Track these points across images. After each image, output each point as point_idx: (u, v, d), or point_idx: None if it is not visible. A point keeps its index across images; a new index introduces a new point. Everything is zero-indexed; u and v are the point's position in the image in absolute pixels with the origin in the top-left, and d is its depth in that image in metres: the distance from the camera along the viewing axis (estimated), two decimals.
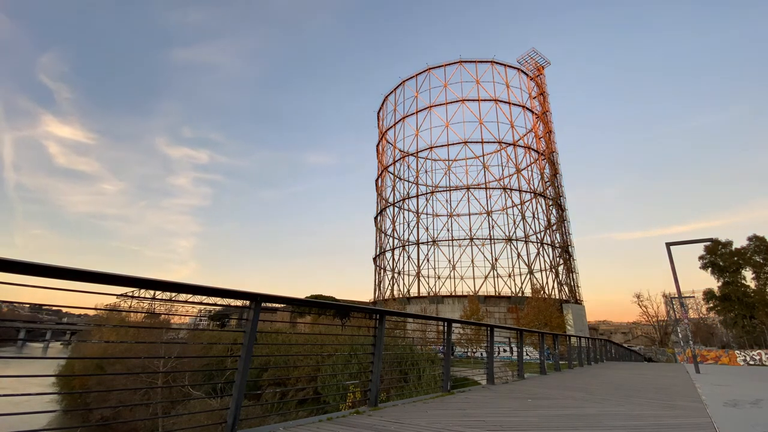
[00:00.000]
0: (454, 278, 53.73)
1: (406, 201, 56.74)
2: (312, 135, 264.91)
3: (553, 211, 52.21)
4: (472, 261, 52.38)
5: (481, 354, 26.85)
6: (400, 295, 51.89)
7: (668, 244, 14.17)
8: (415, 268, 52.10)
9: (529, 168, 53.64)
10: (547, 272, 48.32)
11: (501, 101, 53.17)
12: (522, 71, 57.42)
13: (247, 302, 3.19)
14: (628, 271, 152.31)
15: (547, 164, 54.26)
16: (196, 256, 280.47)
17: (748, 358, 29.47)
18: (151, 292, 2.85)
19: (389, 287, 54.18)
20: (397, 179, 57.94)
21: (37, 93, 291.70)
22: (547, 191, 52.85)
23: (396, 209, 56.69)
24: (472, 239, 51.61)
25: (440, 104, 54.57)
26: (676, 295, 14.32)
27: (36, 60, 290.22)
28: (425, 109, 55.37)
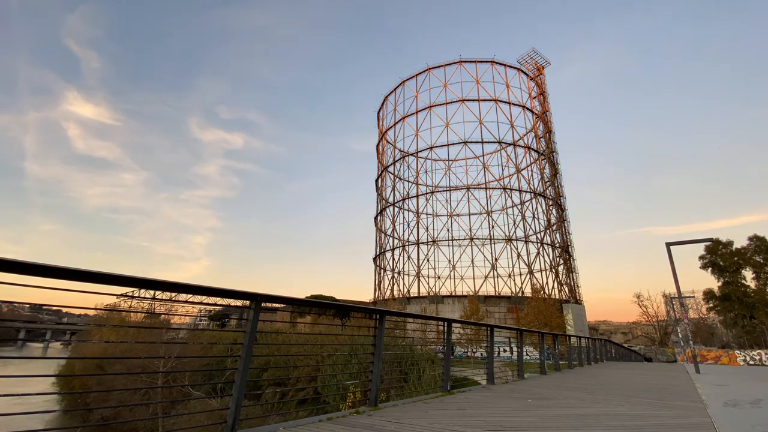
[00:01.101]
0: (454, 278, 53.78)
1: (406, 201, 56.75)
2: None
3: (553, 211, 52.22)
4: (472, 261, 52.40)
5: (481, 354, 26.85)
6: (400, 295, 51.89)
7: (668, 244, 14.17)
8: (415, 268, 52.10)
9: (529, 168, 53.67)
10: (547, 272, 48.33)
11: (501, 101, 53.16)
12: (522, 71, 57.41)
13: (247, 302, 3.20)
14: (628, 271, 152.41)
15: (547, 164, 54.27)
16: (209, 253, 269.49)
17: (748, 358, 29.47)
18: (151, 292, 2.86)
19: (389, 287, 54.20)
20: (397, 179, 57.96)
21: (62, 62, 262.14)
22: (547, 191, 52.85)
23: (396, 209, 56.70)
24: (472, 239, 51.59)
25: (440, 104, 54.56)
26: (676, 295, 14.32)
27: (63, 20, 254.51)
28: (425, 109, 55.36)
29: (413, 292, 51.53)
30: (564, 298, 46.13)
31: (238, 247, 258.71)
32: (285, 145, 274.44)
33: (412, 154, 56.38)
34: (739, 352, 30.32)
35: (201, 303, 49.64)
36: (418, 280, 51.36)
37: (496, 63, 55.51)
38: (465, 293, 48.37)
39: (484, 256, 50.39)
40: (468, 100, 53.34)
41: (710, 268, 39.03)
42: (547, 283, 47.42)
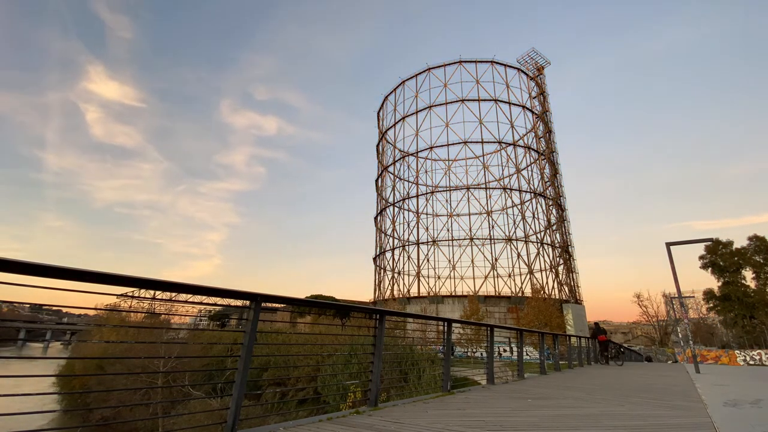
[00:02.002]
0: (454, 278, 53.77)
1: (406, 201, 56.75)
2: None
3: (553, 211, 52.22)
4: (472, 261, 52.39)
5: (481, 354, 26.84)
6: (400, 295, 51.89)
7: (668, 244, 14.17)
8: (415, 268, 52.10)
9: (529, 168, 53.65)
10: (547, 272, 48.33)
11: (501, 101, 53.15)
12: (522, 71, 57.39)
13: (247, 302, 3.20)
14: (628, 271, 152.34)
15: (547, 164, 54.25)
16: (223, 251, 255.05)
17: (748, 358, 29.46)
18: (151, 292, 2.86)
19: (389, 287, 54.20)
20: (397, 179, 57.95)
21: (89, 29, 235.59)
22: (547, 191, 52.84)
23: (396, 209, 56.70)
24: (472, 239, 51.59)
25: (440, 104, 54.55)
26: (676, 295, 14.33)
27: None
28: (425, 109, 55.35)
29: (413, 292, 51.54)
30: (564, 298, 46.13)
31: (253, 245, 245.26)
32: (321, 131, 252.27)
33: (412, 154, 56.38)
34: (739, 352, 30.31)
35: (201, 303, 49.67)
36: (418, 280, 51.37)
37: (496, 63, 55.50)
38: (465, 293, 48.38)
39: (484, 256, 50.45)
40: (468, 100, 53.33)
41: (710, 268, 39.05)
42: (547, 283, 47.45)
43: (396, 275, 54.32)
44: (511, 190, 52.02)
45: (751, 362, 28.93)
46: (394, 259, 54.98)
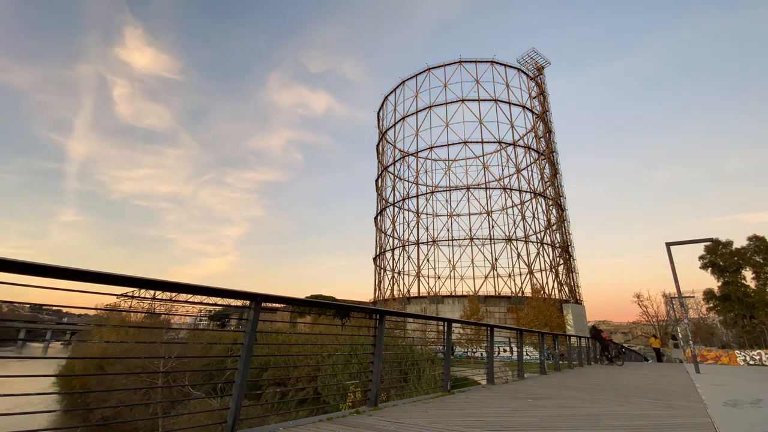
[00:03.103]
0: (454, 278, 53.77)
1: (406, 201, 56.74)
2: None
3: (553, 211, 52.20)
4: (472, 261, 52.37)
5: (481, 354, 26.84)
6: (400, 295, 51.87)
7: (668, 244, 14.17)
8: (415, 268, 52.08)
9: (529, 168, 53.63)
10: (547, 272, 48.31)
11: (501, 101, 53.14)
12: (522, 71, 57.37)
13: (247, 302, 3.20)
14: (628, 271, 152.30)
15: (547, 164, 54.24)
16: (238, 247, 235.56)
17: (748, 358, 29.42)
18: (151, 292, 2.86)
19: (389, 287, 54.18)
20: (397, 179, 57.94)
21: None
22: (547, 191, 52.83)
23: (396, 209, 56.69)
24: (472, 239, 51.58)
25: (440, 104, 54.53)
26: (676, 295, 14.32)
27: None
28: (425, 109, 55.34)
29: (413, 292, 51.53)
30: (564, 298, 46.11)
31: (271, 242, 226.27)
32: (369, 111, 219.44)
33: (412, 154, 56.37)
34: (739, 352, 30.27)
35: (201, 303, 49.66)
36: (418, 280, 51.35)
37: (496, 63, 55.49)
38: (465, 293, 48.36)
39: (484, 256, 50.43)
40: (468, 100, 53.32)
41: (710, 268, 38.98)
42: (547, 283, 47.43)
43: (396, 275, 54.33)
44: (511, 190, 52.02)
45: (751, 362, 28.90)
46: (394, 259, 55.00)
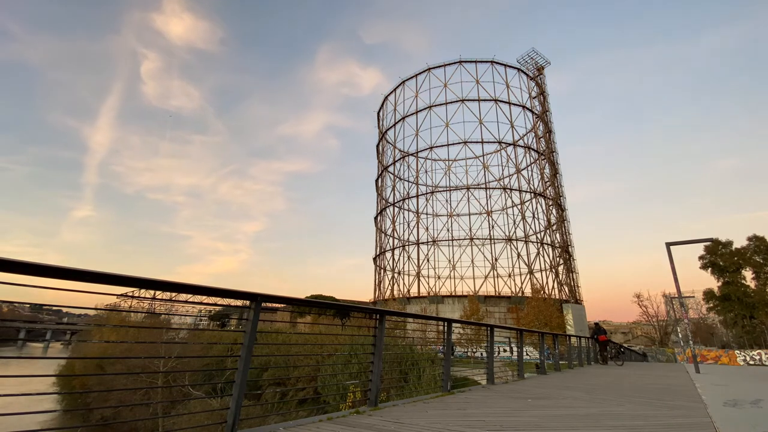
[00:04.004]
0: (454, 278, 53.78)
1: (406, 201, 56.76)
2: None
3: (553, 211, 52.21)
4: (472, 261, 52.40)
5: (481, 354, 26.84)
6: (400, 295, 51.88)
7: (668, 244, 14.17)
8: (415, 268, 52.10)
9: (529, 168, 53.65)
10: (547, 272, 48.32)
11: (501, 101, 53.15)
12: (522, 71, 57.38)
13: (247, 302, 3.20)
14: (628, 271, 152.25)
15: (547, 164, 54.25)
16: (253, 245, 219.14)
17: (748, 358, 29.42)
18: (151, 292, 2.86)
19: (389, 287, 54.19)
20: (397, 179, 57.96)
21: None
22: (547, 191, 52.84)
23: (396, 209, 56.69)
24: (472, 239, 51.59)
25: (440, 104, 54.54)
26: (676, 295, 14.33)
27: None
28: (425, 109, 55.35)
29: (413, 292, 51.54)
30: (564, 298, 46.11)
31: (288, 239, 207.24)
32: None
33: (412, 154, 56.38)
34: (739, 352, 30.28)
35: (201, 303, 49.64)
36: (418, 280, 51.37)
37: (496, 63, 55.50)
38: (465, 293, 48.37)
39: (484, 256, 50.44)
40: (468, 100, 53.33)
41: (710, 268, 38.99)
42: (547, 283, 47.44)
43: (396, 275, 54.34)
44: (511, 190, 52.03)
45: (751, 362, 28.90)
46: (394, 259, 55.01)
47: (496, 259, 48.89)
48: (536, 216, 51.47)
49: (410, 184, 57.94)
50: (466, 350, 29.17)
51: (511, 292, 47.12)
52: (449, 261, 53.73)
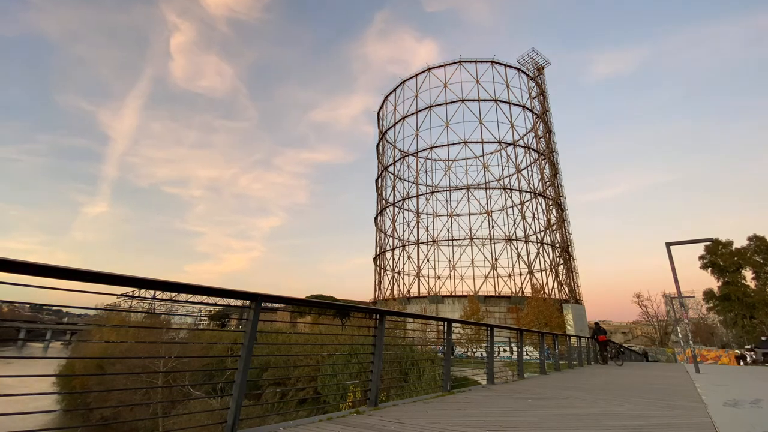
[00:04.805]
0: (454, 278, 53.77)
1: (406, 201, 56.75)
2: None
3: (553, 211, 52.20)
4: (472, 261, 52.40)
5: (481, 354, 26.83)
6: (400, 295, 51.88)
7: (668, 244, 14.16)
8: (415, 268, 52.09)
9: (529, 168, 53.64)
10: (547, 272, 48.31)
11: (501, 101, 53.14)
12: (522, 71, 57.36)
13: (247, 302, 3.20)
14: (628, 271, 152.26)
15: (547, 164, 54.24)
16: (267, 242, 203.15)
17: (747, 357, 29.43)
18: (151, 292, 2.86)
19: (389, 287, 54.19)
20: (397, 179, 57.95)
21: None
22: (547, 191, 52.83)
23: (396, 209, 56.69)
24: (472, 239, 51.59)
25: (440, 104, 54.54)
26: (676, 295, 14.32)
27: None
28: (425, 109, 55.35)
29: (413, 292, 51.53)
30: (564, 298, 46.10)
31: (302, 236, 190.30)
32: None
33: (412, 154, 56.38)
34: (739, 351, 30.30)
35: (201, 303, 49.67)
36: (418, 280, 51.36)
37: (496, 63, 55.48)
38: (465, 293, 48.36)
39: (484, 256, 50.44)
40: (468, 100, 53.32)
41: (710, 268, 39.01)
42: (547, 283, 47.43)
43: (396, 275, 54.33)
44: (511, 190, 52.02)
45: (747, 360, 28.91)
46: (394, 259, 55.01)
47: (496, 259, 48.90)
48: (536, 216, 51.49)
49: (410, 184, 57.97)
50: (466, 350, 29.17)
51: (511, 292, 47.12)
52: (449, 261, 53.75)
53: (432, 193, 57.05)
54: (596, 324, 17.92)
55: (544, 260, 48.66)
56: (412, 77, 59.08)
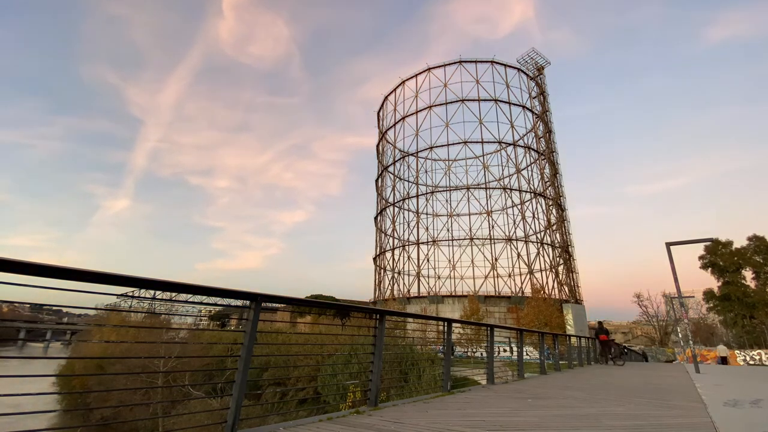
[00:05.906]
0: (454, 278, 53.75)
1: (406, 201, 56.76)
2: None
3: (553, 211, 52.20)
4: (472, 261, 52.38)
5: (481, 354, 26.82)
6: (400, 295, 51.87)
7: (668, 244, 14.16)
8: (415, 268, 52.09)
9: (529, 168, 53.65)
10: (547, 272, 48.31)
11: (501, 101, 53.15)
12: (522, 71, 57.37)
13: (247, 302, 3.20)
14: (628, 271, 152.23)
15: (547, 164, 54.24)
16: (287, 238, 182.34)
17: (748, 358, 29.44)
18: (151, 292, 2.86)
19: (389, 287, 54.18)
20: (397, 179, 57.97)
21: None
22: (547, 191, 52.84)
23: (396, 209, 56.70)
24: (472, 239, 51.58)
25: (440, 104, 54.55)
26: (676, 295, 14.32)
27: None
28: (425, 109, 55.37)
29: (413, 292, 51.53)
30: (564, 298, 46.11)
31: (325, 232, 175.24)
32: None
33: (412, 154, 56.39)
34: (739, 352, 30.30)
35: (201, 303, 49.65)
36: (418, 280, 51.36)
37: (496, 63, 55.50)
38: (465, 293, 48.34)
39: (484, 256, 50.43)
40: (468, 100, 53.33)
41: (710, 268, 38.98)
42: (547, 283, 47.43)
43: (396, 275, 54.33)
44: (511, 190, 52.03)
45: (751, 362, 28.92)
46: (394, 259, 55.00)
47: (496, 259, 48.89)
48: (536, 216, 51.49)
49: (410, 184, 57.98)
50: (466, 350, 29.16)
51: (511, 292, 47.12)
52: (449, 261, 53.74)
53: (432, 193, 57.06)
54: (599, 323, 17.91)
55: (544, 260, 48.68)
56: (411, 77, 59.17)
